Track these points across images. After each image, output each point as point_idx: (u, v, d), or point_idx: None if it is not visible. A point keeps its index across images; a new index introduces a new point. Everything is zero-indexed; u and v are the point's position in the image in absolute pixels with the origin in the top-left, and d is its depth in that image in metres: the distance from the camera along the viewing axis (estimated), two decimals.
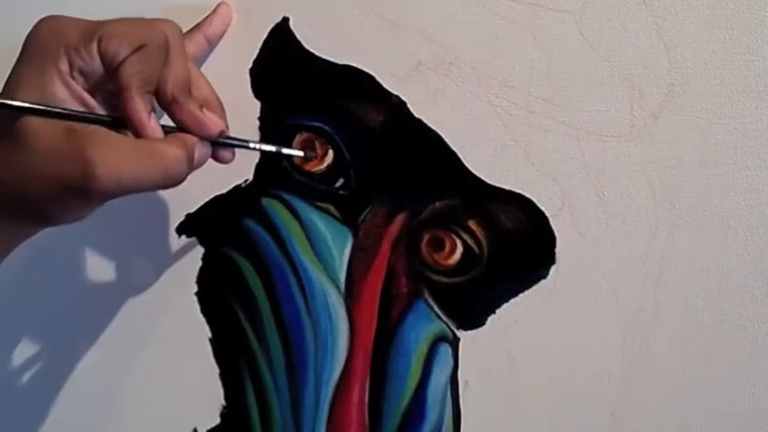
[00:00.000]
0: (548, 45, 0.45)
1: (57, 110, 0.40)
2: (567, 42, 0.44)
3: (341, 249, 0.51)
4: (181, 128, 0.43)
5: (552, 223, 0.46)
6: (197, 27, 0.50)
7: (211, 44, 0.51)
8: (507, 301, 0.48)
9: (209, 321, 0.55)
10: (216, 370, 0.55)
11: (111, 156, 0.39)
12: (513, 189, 0.47)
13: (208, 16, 0.50)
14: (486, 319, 0.48)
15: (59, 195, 0.40)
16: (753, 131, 0.42)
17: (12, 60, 0.41)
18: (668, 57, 0.43)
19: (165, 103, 0.43)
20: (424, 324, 0.50)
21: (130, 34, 0.41)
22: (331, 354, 0.51)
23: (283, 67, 0.51)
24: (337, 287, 0.51)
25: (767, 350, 0.44)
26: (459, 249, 0.48)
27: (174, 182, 0.42)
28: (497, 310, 0.48)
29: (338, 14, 0.49)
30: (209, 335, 0.55)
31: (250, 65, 0.52)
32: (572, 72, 0.45)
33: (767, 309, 0.43)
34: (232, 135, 0.46)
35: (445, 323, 0.49)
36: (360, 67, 0.48)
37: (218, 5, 0.51)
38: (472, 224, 0.48)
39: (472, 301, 0.49)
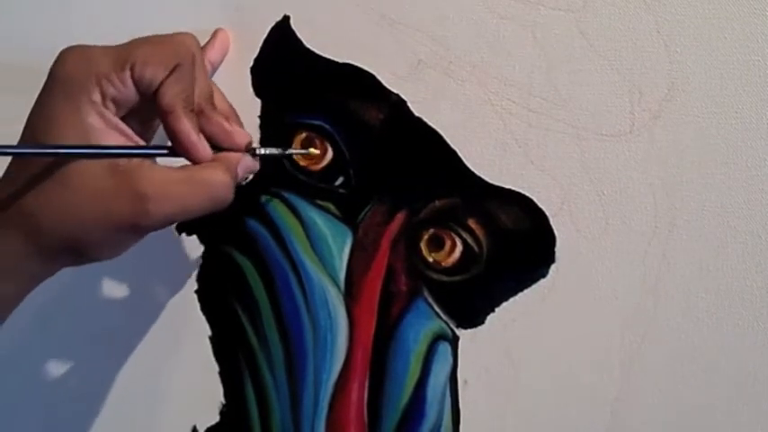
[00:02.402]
0: (548, 44, 0.45)
1: (105, 151, 0.39)
2: (567, 41, 0.44)
3: (341, 248, 0.51)
4: (210, 142, 0.43)
5: (552, 222, 0.46)
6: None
7: (213, 69, 0.51)
8: (507, 299, 0.48)
9: (208, 319, 0.55)
10: (215, 368, 0.55)
11: (160, 190, 0.39)
12: (512, 188, 0.47)
13: (209, 41, 0.50)
14: (485, 318, 0.48)
15: (108, 234, 0.39)
16: (753, 131, 0.42)
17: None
18: (668, 56, 0.43)
19: None
20: (424, 322, 0.50)
21: (163, 57, 0.41)
22: (330, 352, 0.52)
23: (284, 66, 0.51)
24: (337, 285, 0.51)
25: (767, 350, 0.44)
26: (459, 248, 0.48)
27: (222, 206, 0.42)
28: (497, 309, 0.48)
29: (339, 13, 0.49)
30: (209, 333, 0.55)
31: (251, 63, 0.52)
32: (572, 71, 0.45)
33: (767, 309, 0.43)
34: None
35: (444, 322, 0.49)
36: (360, 65, 0.48)
37: (217, 31, 0.51)
38: (472, 223, 0.48)
39: (472, 300, 0.49)
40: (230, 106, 0.48)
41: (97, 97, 0.39)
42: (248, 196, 0.52)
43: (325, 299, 0.51)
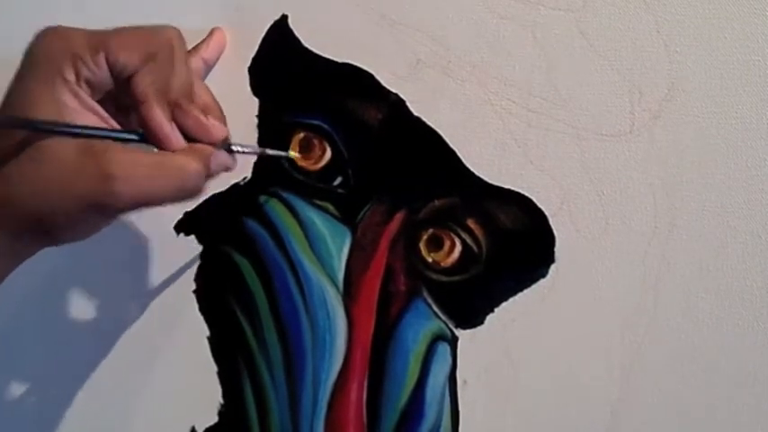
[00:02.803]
0: (548, 44, 0.45)
1: (80, 130, 0.39)
2: (567, 41, 0.44)
3: (339, 248, 0.51)
4: (185, 135, 0.43)
5: (551, 222, 0.46)
6: (195, 49, 0.50)
7: (208, 67, 0.51)
8: (506, 299, 0.48)
9: (207, 320, 0.55)
10: (214, 368, 0.55)
11: (130, 171, 0.39)
12: (512, 188, 0.47)
13: (204, 40, 0.51)
14: (484, 318, 0.48)
15: (74, 212, 0.39)
16: (753, 131, 0.42)
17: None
18: (668, 56, 0.43)
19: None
20: (423, 323, 0.50)
21: (139, 44, 0.41)
22: (329, 352, 0.51)
23: (282, 66, 0.51)
24: (336, 285, 0.51)
25: (767, 350, 0.44)
26: (458, 248, 0.48)
27: (191, 195, 0.42)
28: (496, 309, 0.48)
29: (337, 12, 0.48)
30: (208, 333, 0.55)
31: (249, 63, 0.51)
32: (572, 71, 0.45)
33: (767, 309, 0.43)
34: (231, 134, 0.46)
35: (444, 322, 0.49)
36: (359, 65, 0.48)
37: (213, 30, 0.51)
38: (471, 223, 0.48)
39: (471, 300, 0.49)
40: (214, 101, 0.47)
41: (71, 76, 0.40)
42: (247, 196, 0.52)
43: (323, 299, 0.51)
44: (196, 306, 0.55)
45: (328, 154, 0.50)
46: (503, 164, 0.47)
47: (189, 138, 0.43)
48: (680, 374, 0.45)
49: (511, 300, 0.48)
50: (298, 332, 0.52)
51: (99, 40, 0.40)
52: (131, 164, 0.39)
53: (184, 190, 0.41)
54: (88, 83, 0.40)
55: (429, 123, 0.47)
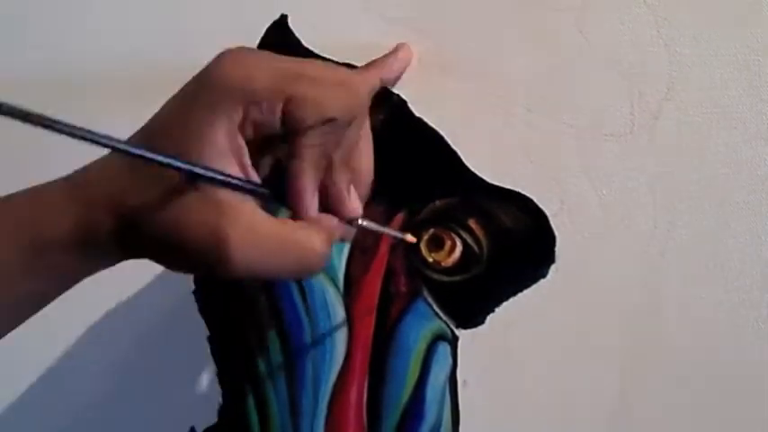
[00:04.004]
0: (548, 44, 0.45)
1: (209, 174, 0.34)
2: (567, 41, 0.44)
3: (340, 248, 0.51)
4: (320, 198, 0.38)
5: (552, 222, 0.46)
6: (375, 67, 0.46)
7: (387, 85, 0.47)
8: (506, 300, 0.48)
9: (206, 320, 0.54)
10: (214, 369, 0.55)
11: (250, 240, 0.34)
12: (512, 188, 0.47)
13: (387, 58, 0.47)
14: (485, 319, 0.48)
15: (184, 268, 0.37)
16: (753, 131, 0.42)
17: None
18: (668, 56, 0.43)
19: None
20: (423, 323, 0.50)
21: (324, 103, 0.35)
22: (329, 353, 0.51)
23: None
24: (336, 286, 0.51)
25: (766, 350, 0.44)
26: (459, 248, 0.48)
27: (308, 276, 0.39)
28: (496, 309, 0.48)
29: (338, 12, 0.48)
30: (208, 333, 0.55)
31: None
32: (572, 71, 0.45)
33: (767, 309, 0.43)
34: None
35: (444, 322, 0.49)
36: (360, 65, 0.48)
37: (400, 46, 0.47)
38: (472, 223, 0.48)
39: (471, 300, 0.49)
40: (369, 163, 0.42)
41: (237, 117, 0.35)
42: None
43: (324, 299, 0.51)
44: (196, 307, 0.54)
45: None
46: (503, 164, 0.47)
47: (322, 203, 0.39)
48: (680, 375, 0.45)
49: (511, 300, 0.48)
50: (298, 332, 0.52)
51: (283, 86, 0.35)
52: (252, 231, 0.35)
53: (303, 268, 0.37)
54: (253, 124, 0.35)
55: (430, 124, 0.47)
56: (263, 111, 0.35)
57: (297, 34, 0.50)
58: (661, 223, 0.44)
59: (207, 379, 0.55)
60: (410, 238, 0.47)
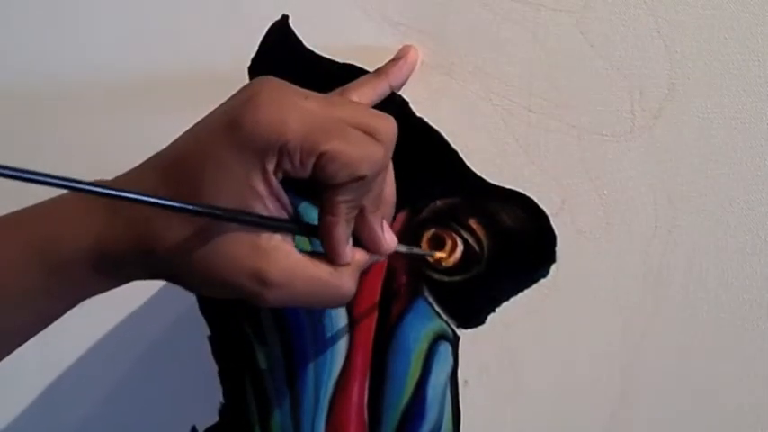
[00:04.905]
0: (548, 44, 0.45)
1: (243, 217, 0.36)
2: (567, 42, 0.44)
3: None
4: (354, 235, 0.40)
5: (552, 222, 0.46)
6: (383, 74, 0.46)
7: (392, 89, 0.47)
8: (507, 299, 0.48)
9: (207, 319, 0.55)
10: (215, 368, 0.55)
11: (287, 281, 0.36)
12: (513, 188, 0.47)
13: (395, 61, 0.46)
14: (485, 318, 0.48)
15: (218, 294, 0.38)
16: (753, 131, 0.42)
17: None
18: (668, 56, 0.43)
19: None
20: (424, 322, 0.50)
21: (355, 160, 0.36)
22: (330, 352, 0.51)
23: (283, 66, 0.50)
24: None
25: (767, 350, 0.44)
26: (460, 248, 0.48)
27: (336, 308, 0.42)
28: (497, 309, 0.48)
29: (340, 13, 0.48)
30: (209, 333, 0.55)
31: (248, 63, 0.51)
32: (573, 71, 0.45)
33: (767, 309, 0.43)
34: None
35: (445, 321, 0.49)
36: (361, 66, 0.48)
37: (406, 49, 0.47)
38: (473, 223, 0.48)
39: (472, 300, 0.49)
40: (392, 194, 0.44)
41: (271, 167, 0.35)
42: None
43: None
44: (197, 306, 0.55)
45: None
46: (504, 164, 0.47)
47: (355, 241, 0.40)
48: (680, 374, 0.45)
49: (512, 299, 0.48)
50: (299, 332, 0.52)
51: (316, 140, 0.35)
52: (291, 273, 0.37)
53: (331, 305, 0.41)
54: (285, 173, 0.36)
55: (431, 124, 0.48)
56: (295, 164, 0.35)
57: (298, 34, 0.50)
58: (661, 223, 0.45)
59: (208, 378, 0.55)
60: (438, 255, 0.48)
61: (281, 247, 0.37)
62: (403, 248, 0.44)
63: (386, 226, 0.41)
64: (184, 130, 0.38)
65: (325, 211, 0.37)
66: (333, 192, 0.36)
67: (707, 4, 0.42)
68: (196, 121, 0.38)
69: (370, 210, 0.39)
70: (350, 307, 0.51)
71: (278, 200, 0.37)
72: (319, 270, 0.38)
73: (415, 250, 0.48)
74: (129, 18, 0.53)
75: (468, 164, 0.47)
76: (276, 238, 0.37)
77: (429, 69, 0.47)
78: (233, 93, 0.39)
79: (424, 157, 0.48)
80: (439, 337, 0.50)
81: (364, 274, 0.50)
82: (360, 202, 0.38)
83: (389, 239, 0.41)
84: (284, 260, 0.37)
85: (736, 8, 0.42)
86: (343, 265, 0.39)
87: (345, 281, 0.39)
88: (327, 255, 0.39)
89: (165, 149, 0.38)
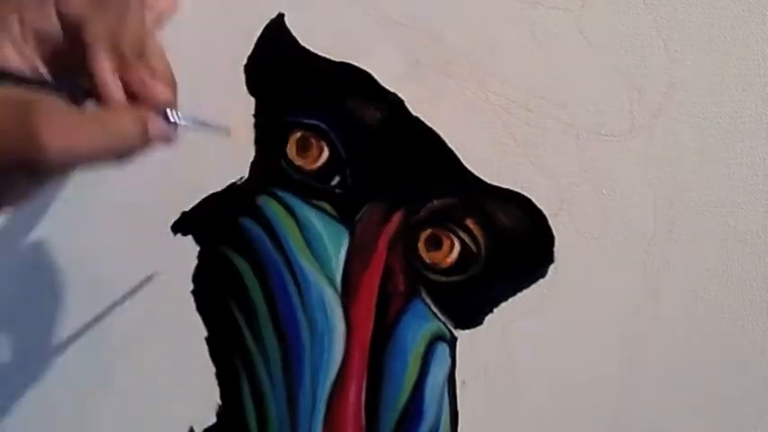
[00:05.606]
0: (547, 44, 0.44)
1: (15, 74, 0.36)
2: (566, 41, 0.44)
3: (337, 248, 0.51)
4: (127, 93, 0.39)
5: (551, 222, 0.46)
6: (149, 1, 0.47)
7: (165, 15, 0.48)
8: (505, 300, 0.48)
9: (204, 320, 0.54)
10: (212, 369, 0.54)
11: (60, 125, 0.35)
12: (511, 188, 0.47)
13: None
14: (483, 319, 0.48)
15: (2, 170, 0.36)
16: (753, 131, 0.42)
17: None
18: (668, 56, 0.43)
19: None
20: (422, 323, 0.50)
21: None
22: (327, 352, 0.51)
23: (279, 65, 0.50)
24: (333, 286, 0.51)
25: (767, 350, 0.44)
26: (457, 248, 0.48)
27: (125, 156, 0.38)
28: (495, 310, 0.48)
29: (336, 11, 0.48)
30: (206, 334, 0.54)
31: (244, 61, 0.51)
32: (571, 71, 0.44)
33: (767, 309, 0.43)
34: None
35: (443, 322, 0.49)
36: (357, 64, 0.48)
37: None
38: (470, 223, 0.48)
39: (470, 300, 0.48)
40: (165, 64, 0.42)
41: (16, 29, 0.37)
42: (244, 196, 0.52)
43: (321, 299, 0.51)
44: (194, 307, 0.54)
45: (326, 153, 0.50)
46: (502, 164, 0.46)
47: (130, 97, 0.39)
48: (680, 374, 0.45)
49: (510, 300, 0.48)
50: (296, 333, 0.52)
51: None
52: (61, 117, 0.36)
53: (118, 149, 0.38)
54: (36, 36, 0.38)
55: (428, 123, 0.47)
56: (39, 18, 0.37)
57: (294, 33, 0.49)
58: (661, 223, 0.44)
59: (205, 379, 0.55)
60: (235, 132, 0.45)
61: (46, 99, 0.36)
62: (189, 119, 0.42)
63: (157, 83, 0.40)
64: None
65: (84, 46, 0.37)
66: (84, 28, 0.37)
67: (707, 4, 0.42)
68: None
69: (133, 58, 0.39)
70: (347, 307, 0.51)
71: (35, 71, 0.37)
72: (95, 115, 0.38)
73: (204, 121, 0.43)
74: None
75: (466, 163, 0.47)
76: (43, 95, 0.36)
77: (426, 68, 0.47)
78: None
79: (420, 156, 0.48)
80: (436, 338, 0.49)
81: (361, 273, 0.50)
82: (115, 32, 0.38)
83: (160, 89, 0.40)
84: (52, 108, 0.36)
85: (736, 8, 0.41)
86: (115, 99, 0.38)
87: (126, 120, 0.38)
88: (97, 88, 0.38)
89: None
